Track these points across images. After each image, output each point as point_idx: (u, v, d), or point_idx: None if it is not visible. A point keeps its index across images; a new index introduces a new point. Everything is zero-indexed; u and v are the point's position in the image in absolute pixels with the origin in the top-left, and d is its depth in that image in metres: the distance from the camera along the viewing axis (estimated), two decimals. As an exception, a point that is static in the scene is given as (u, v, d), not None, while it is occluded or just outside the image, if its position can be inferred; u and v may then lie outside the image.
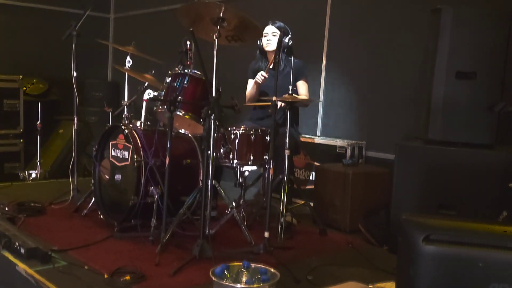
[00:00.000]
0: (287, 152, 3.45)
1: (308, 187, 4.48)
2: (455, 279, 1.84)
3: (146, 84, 3.65)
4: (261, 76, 3.88)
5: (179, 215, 3.21)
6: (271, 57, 4.07)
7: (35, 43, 6.51)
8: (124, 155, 3.48)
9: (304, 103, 4.06)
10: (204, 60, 3.07)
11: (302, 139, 4.36)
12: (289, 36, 3.95)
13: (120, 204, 3.49)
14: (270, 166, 3.19)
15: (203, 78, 3.24)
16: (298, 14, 4.92)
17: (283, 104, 3.72)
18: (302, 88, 4.01)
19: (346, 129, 4.65)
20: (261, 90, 4.01)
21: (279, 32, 3.93)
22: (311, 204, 3.89)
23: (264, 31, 3.94)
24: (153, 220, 3.24)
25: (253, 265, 2.42)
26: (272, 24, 3.97)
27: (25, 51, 6.42)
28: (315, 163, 4.46)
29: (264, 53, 4.09)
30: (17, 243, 2.86)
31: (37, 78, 6.26)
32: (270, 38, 3.96)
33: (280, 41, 3.41)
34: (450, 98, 3.21)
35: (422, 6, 3.82)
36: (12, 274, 2.75)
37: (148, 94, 3.52)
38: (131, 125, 3.55)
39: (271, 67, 3.86)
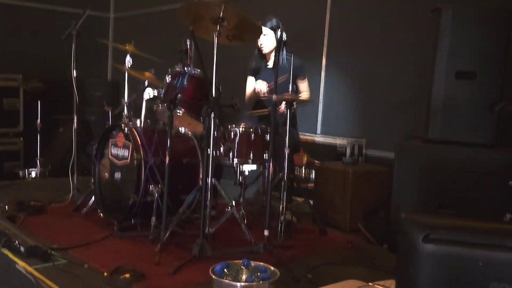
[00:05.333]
0: (287, 151, 3.45)
1: (308, 185, 4.48)
2: (455, 278, 1.84)
3: (146, 83, 3.65)
4: (262, 91, 3.85)
5: (179, 214, 3.21)
6: (269, 57, 4.07)
7: (35, 42, 6.51)
8: (124, 153, 3.48)
9: (305, 102, 4.06)
10: (204, 59, 3.07)
11: (302, 137, 4.36)
12: (281, 29, 3.87)
13: (120, 203, 3.49)
14: (270, 164, 3.20)
15: (203, 77, 3.24)
16: (298, 13, 4.92)
17: (283, 107, 3.71)
18: (303, 85, 4.01)
19: (346, 128, 4.65)
20: None
21: (270, 32, 3.92)
22: (311, 202, 3.89)
23: None
24: (153, 219, 3.24)
25: (253, 263, 2.42)
26: (262, 25, 3.87)
27: (25, 50, 6.42)
28: (315, 161, 4.46)
29: (262, 53, 4.08)
30: (17, 242, 2.87)
31: (37, 77, 6.25)
32: (262, 40, 3.94)
33: (279, 41, 3.41)
34: (450, 97, 3.21)
35: (422, 5, 3.82)
36: (12, 272, 2.75)
37: (148, 93, 3.51)
38: (131, 124, 3.55)
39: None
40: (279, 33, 3.51)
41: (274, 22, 3.92)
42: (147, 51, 3.96)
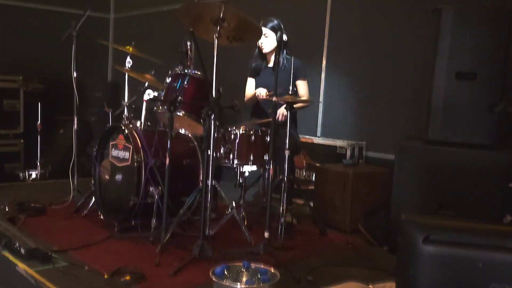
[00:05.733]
0: (287, 153, 3.45)
1: (309, 187, 4.48)
2: (455, 280, 1.84)
3: (146, 85, 3.65)
4: (261, 95, 3.85)
5: (179, 216, 3.21)
6: (269, 58, 4.07)
7: (35, 43, 6.50)
8: (124, 155, 3.48)
9: (304, 104, 4.05)
10: (204, 60, 3.07)
11: (302, 139, 4.36)
12: (281, 30, 3.86)
13: (120, 204, 3.49)
14: (270, 166, 3.19)
15: (203, 78, 3.24)
16: (298, 14, 4.92)
17: (283, 110, 3.70)
18: (302, 88, 4.00)
19: (346, 130, 4.65)
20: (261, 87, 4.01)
21: (271, 33, 3.92)
22: (311, 204, 3.89)
23: None
24: (153, 220, 3.24)
25: (253, 265, 2.42)
26: (263, 25, 3.88)
27: (25, 51, 6.42)
28: (316, 163, 4.46)
29: (262, 53, 4.08)
30: (17, 244, 2.86)
31: (37, 78, 6.25)
32: (263, 40, 3.94)
33: (280, 41, 3.40)
34: (450, 98, 3.21)
35: (423, 6, 3.82)
36: (12, 275, 2.75)
37: (148, 94, 3.52)
38: (131, 126, 3.55)
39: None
40: (279, 34, 3.51)
41: (275, 23, 3.93)
42: (147, 52, 3.96)
